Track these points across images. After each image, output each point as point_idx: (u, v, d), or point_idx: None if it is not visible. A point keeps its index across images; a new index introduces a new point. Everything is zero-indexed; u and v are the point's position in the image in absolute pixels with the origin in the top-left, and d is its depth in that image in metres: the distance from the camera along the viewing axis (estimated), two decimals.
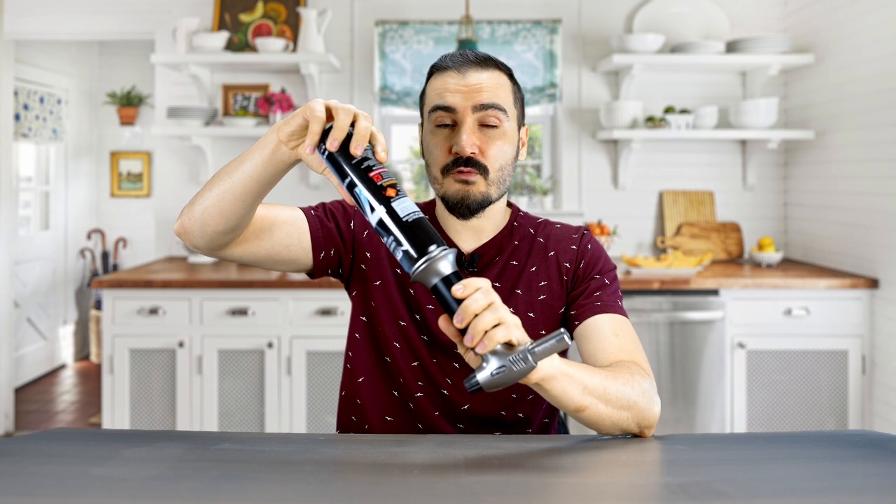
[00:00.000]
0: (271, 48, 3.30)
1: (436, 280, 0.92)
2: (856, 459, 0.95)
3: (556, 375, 0.97)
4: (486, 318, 0.89)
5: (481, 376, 0.91)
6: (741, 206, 3.58)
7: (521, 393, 1.26)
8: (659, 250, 3.54)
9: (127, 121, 5.26)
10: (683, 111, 3.36)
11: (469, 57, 1.21)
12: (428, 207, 1.33)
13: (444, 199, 1.23)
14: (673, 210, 3.54)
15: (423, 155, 1.28)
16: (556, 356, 0.98)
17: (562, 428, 1.45)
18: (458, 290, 0.91)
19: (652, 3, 3.51)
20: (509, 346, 0.91)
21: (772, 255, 3.21)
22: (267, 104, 3.36)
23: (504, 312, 0.91)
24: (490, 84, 1.20)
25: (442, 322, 0.93)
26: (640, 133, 3.28)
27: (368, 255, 1.29)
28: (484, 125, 1.20)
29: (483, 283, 0.92)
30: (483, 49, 3.48)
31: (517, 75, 3.51)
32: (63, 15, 3.58)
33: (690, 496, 0.78)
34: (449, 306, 0.92)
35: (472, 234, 1.28)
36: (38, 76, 4.67)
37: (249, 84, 3.57)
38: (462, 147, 1.17)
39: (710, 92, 3.56)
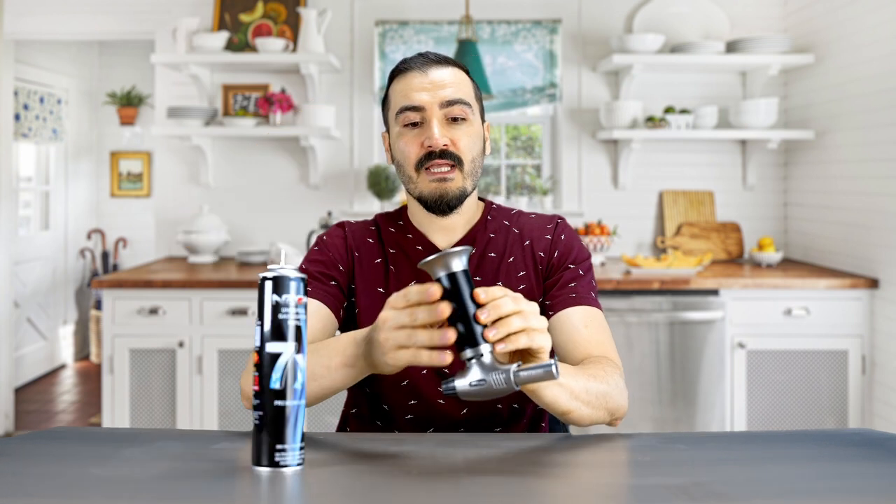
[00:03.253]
0: (271, 48, 3.30)
1: (459, 269, 0.90)
2: (856, 459, 0.95)
3: (548, 384, 0.98)
4: (515, 322, 0.89)
5: (459, 383, 0.90)
6: (741, 206, 3.57)
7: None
8: (659, 250, 3.54)
9: (127, 121, 5.26)
10: (683, 111, 3.36)
11: (429, 56, 1.25)
12: (396, 214, 1.34)
13: (421, 199, 1.23)
14: (673, 210, 3.54)
15: (391, 161, 1.29)
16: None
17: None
18: (481, 294, 0.90)
19: (652, 3, 3.51)
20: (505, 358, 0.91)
21: (772, 255, 3.21)
22: (267, 104, 3.36)
23: (535, 321, 0.91)
24: (453, 80, 1.22)
25: (443, 305, 0.89)
26: (640, 133, 3.28)
27: (354, 286, 1.29)
28: (452, 120, 1.21)
29: (508, 292, 0.92)
30: (483, 49, 3.48)
31: (517, 75, 3.52)
32: (63, 15, 3.58)
33: (690, 497, 0.78)
34: (462, 300, 0.89)
35: (444, 232, 1.28)
36: (38, 76, 4.67)
37: (249, 84, 3.57)
38: (435, 140, 1.19)
39: (710, 92, 3.56)
